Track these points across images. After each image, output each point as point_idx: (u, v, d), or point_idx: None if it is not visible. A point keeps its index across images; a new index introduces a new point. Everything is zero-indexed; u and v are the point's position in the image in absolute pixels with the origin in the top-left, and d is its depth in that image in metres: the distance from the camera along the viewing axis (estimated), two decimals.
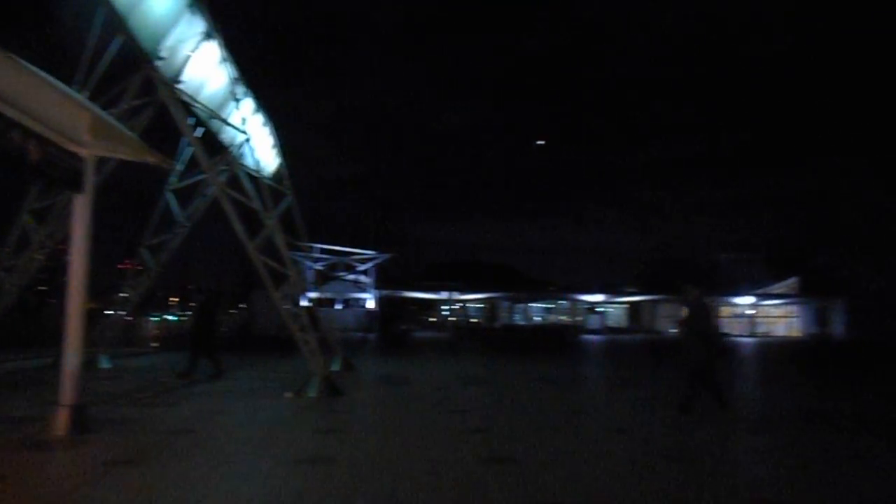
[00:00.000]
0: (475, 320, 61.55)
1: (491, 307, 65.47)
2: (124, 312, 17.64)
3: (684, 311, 9.33)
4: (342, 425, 8.14)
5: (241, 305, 61.96)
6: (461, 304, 65.06)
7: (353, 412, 9.37)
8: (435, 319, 66.09)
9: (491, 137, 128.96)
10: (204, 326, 13.92)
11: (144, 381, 12.77)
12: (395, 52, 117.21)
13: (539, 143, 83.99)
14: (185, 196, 16.64)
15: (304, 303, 13.39)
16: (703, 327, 9.02)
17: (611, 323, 61.67)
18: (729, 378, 14.67)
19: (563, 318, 61.96)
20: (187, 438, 6.97)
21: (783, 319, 58.33)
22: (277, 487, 5.02)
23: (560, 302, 64.71)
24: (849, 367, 21.79)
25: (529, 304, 67.34)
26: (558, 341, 36.79)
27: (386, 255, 57.45)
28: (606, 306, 63.09)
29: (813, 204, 67.33)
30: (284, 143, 17.38)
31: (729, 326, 56.84)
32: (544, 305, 67.88)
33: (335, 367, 14.72)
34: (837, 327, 51.44)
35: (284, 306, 11.74)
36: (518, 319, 63.53)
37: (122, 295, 17.31)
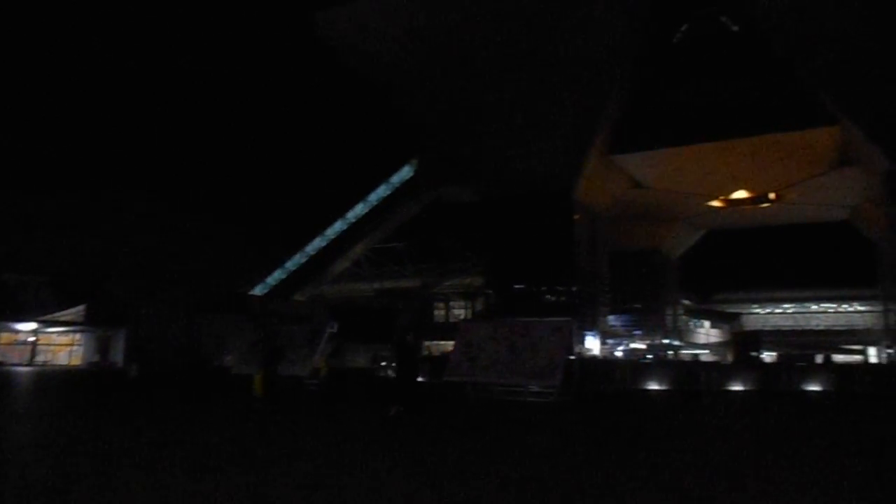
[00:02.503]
0: None
1: None
2: None
3: None
4: None
5: None
6: None
7: None
8: None
9: None
10: None
11: None
12: None
13: None
14: None
15: None
16: None
17: None
18: None
19: None
20: None
21: (67, 348, 57.53)
22: None
23: None
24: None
25: None
26: None
27: None
28: None
29: (110, 232, 68.70)
30: None
31: (6, 355, 52.80)
32: None
33: None
34: (118, 356, 54.07)
35: None
36: None
37: None
